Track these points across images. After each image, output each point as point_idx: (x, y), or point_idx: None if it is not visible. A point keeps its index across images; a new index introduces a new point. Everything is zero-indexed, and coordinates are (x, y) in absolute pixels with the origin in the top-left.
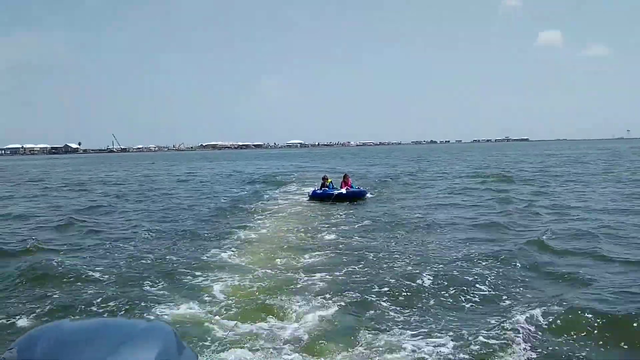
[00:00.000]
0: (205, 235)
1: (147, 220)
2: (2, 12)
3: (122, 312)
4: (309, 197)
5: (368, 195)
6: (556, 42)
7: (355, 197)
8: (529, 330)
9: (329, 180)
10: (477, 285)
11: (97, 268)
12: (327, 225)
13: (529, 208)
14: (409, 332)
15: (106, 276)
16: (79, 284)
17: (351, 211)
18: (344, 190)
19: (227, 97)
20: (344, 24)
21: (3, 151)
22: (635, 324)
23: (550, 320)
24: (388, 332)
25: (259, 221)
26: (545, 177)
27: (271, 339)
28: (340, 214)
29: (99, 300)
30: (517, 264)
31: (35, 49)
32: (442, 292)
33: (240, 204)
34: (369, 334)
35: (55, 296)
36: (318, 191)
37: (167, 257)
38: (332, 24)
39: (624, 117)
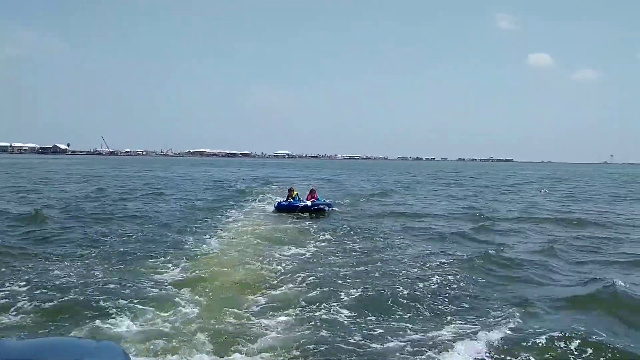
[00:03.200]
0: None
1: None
2: None
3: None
4: (274, 208)
5: (335, 208)
6: (545, 65)
7: (320, 210)
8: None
9: (295, 192)
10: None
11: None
12: (288, 238)
13: None
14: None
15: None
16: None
17: (316, 223)
18: (309, 203)
19: (216, 105)
20: (334, 38)
21: None
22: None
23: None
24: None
25: (220, 231)
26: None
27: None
28: (304, 225)
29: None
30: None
31: (26, 46)
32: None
33: (209, 210)
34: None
35: None
36: (283, 202)
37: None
38: (322, 39)
39: (608, 143)
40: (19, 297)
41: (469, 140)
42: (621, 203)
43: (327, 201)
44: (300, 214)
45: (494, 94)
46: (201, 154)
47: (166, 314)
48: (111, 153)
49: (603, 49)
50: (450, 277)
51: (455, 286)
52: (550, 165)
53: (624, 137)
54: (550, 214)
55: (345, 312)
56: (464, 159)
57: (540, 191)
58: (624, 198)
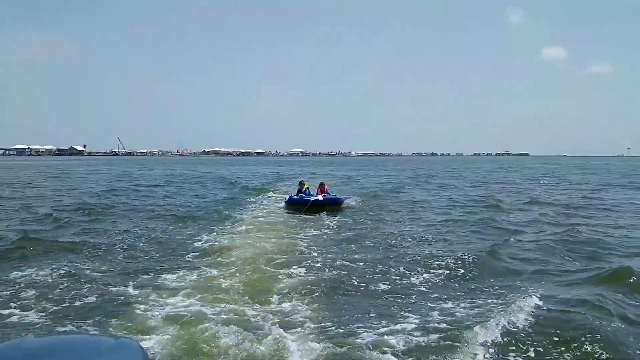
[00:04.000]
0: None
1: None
2: (9, 9)
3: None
4: (285, 203)
5: (346, 202)
6: (560, 59)
7: (331, 204)
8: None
9: (306, 186)
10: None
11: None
12: (302, 224)
13: None
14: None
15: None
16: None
17: (328, 215)
18: (320, 197)
19: (231, 104)
20: (348, 35)
21: (9, 151)
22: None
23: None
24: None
25: (245, 217)
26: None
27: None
28: (317, 215)
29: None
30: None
31: (42, 49)
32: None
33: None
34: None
35: None
36: (294, 197)
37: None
38: (337, 36)
39: (625, 135)
40: (95, 253)
41: (483, 135)
42: (607, 191)
43: (338, 196)
44: (310, 208)
45: (507, 88)
46: (216, 153)
47: (208, 272)
48: (128, 154)
49: (618, 42)
50: (450, 254)
51: (452, 261)
52: (565, 159)
53: None
54: (543, 199)
55: (353, 269)
56: (479, 154)
57: (540, 182)
58: (613, 186)
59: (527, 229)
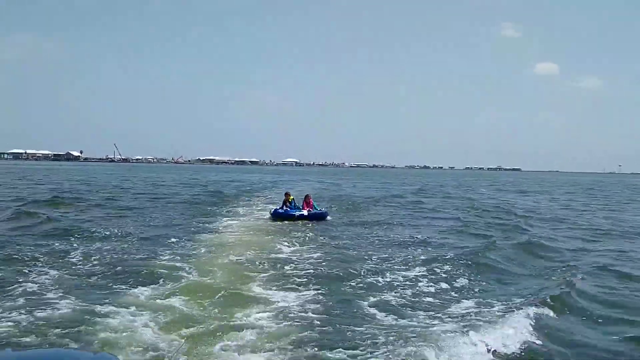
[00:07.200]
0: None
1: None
2: (3, 11)
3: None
4: (270, 216)
5: (329, 217)
6: (551, 73)
7: (316, 219)
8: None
9: (291, 197)
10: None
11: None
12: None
13: None
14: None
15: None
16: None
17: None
18: (305, 212)
19: (227, 113)
20: (339, 53)
21: (5, 155)
22: None
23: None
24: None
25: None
26: None
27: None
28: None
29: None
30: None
31: (38, 53)
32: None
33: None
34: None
35: None
36: (279, 210)
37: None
38: (328, 49)
39: (617, 152)
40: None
41: (477, 149)
42: (526, 196)
43: (323, 209)
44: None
45: (499, 103)
46: (211, 161)
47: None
48: (123, 160)
49: (609, 57)
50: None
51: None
52: (555, 174)
53: (634, 146)
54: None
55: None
56: (471, 168)
57: (484, 191)
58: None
59: None
